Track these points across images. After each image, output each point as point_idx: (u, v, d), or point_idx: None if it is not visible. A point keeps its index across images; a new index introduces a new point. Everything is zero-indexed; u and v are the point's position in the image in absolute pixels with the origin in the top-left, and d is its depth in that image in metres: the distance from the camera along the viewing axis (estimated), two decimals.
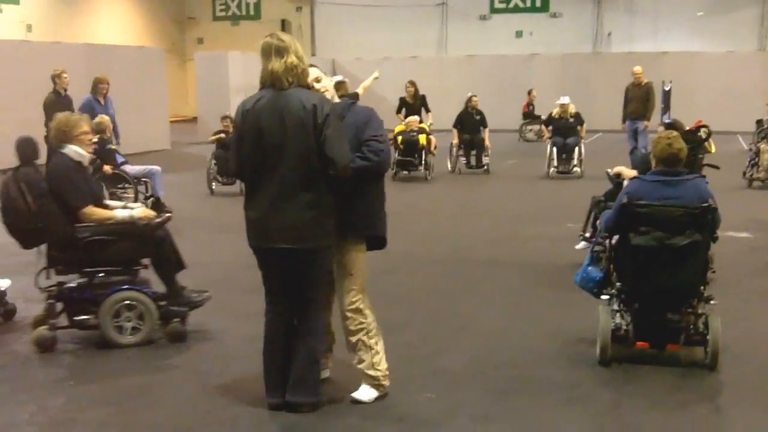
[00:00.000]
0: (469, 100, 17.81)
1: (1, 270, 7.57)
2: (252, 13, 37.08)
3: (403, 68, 31.46)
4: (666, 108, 25.89)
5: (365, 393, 5.25)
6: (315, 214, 4.82)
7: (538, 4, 33.18)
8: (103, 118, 12.35)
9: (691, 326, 5.92)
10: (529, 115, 26.18)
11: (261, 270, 5.10)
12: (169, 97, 25.34)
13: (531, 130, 25.95)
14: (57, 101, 13.30)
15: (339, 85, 13.11)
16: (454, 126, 17.52)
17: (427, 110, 16.82)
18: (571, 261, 8.81)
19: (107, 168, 11.57)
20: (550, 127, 17.22)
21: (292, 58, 4.85)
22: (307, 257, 4.91)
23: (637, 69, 16.75)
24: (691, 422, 5.11)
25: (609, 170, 8.15)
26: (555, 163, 16.72)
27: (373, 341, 5.21)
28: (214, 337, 6.69)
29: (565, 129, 16.87)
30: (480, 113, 17.58)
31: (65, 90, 13.51)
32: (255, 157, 4.86)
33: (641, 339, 5.90)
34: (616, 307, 6.07)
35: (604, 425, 5.06)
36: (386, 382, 5.29)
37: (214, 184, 14.63)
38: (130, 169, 12.14)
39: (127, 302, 6.31)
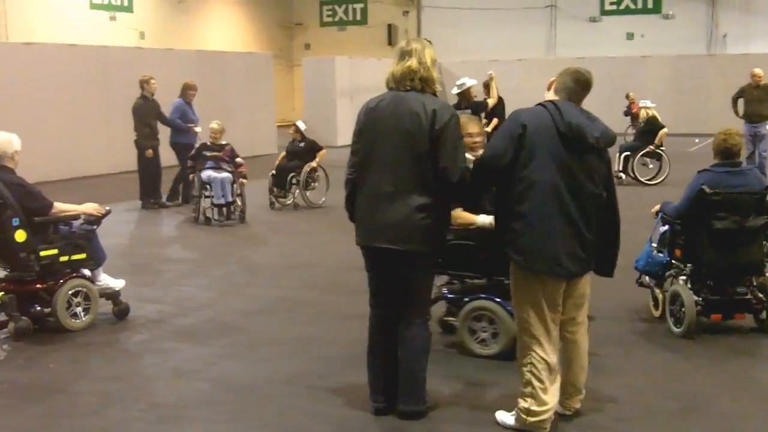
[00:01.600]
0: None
1: (116, 270, 7.75)
2: (359, 18, 37.30)
3: (511, 71, 31.26)
4: None
5: (503, 416, 4.97)
6: (421, 216, 4.71)
7: (649, 5, 32.38)
8: (219, 124, 12.59)
9: (751, 296, 6.65)
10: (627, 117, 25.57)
11: (366, 270, 5.06)
12: (276, 101, 25.68)
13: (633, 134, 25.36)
14: (144, 105, 13.74)
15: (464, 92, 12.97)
16: None
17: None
18: None
19: (192, 177, 12.06)
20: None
21: (412, 63, 4.80)
22: (408, 259, 4.81)
23: (758, 71, 16.09)
24: None
25: None
26: (619, 167, 16.16)
27: (528, 377, 4.80)
28: (321, 339, 6.70)
29: (638, 133, 16.64)
30: None
31: (152, 95, 13.87)
32: (369, 154, 4.86)
33: (714, 312, 6.59)
34: (689, 286, 6.62)
35: None
36: (528, 420, 4.80)
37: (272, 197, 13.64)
38: (203, 174, 12.13)
39: (480, 312, 6.07)
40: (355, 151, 4.96)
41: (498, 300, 6.00)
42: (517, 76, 30.69)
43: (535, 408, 4.73)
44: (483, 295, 6.12)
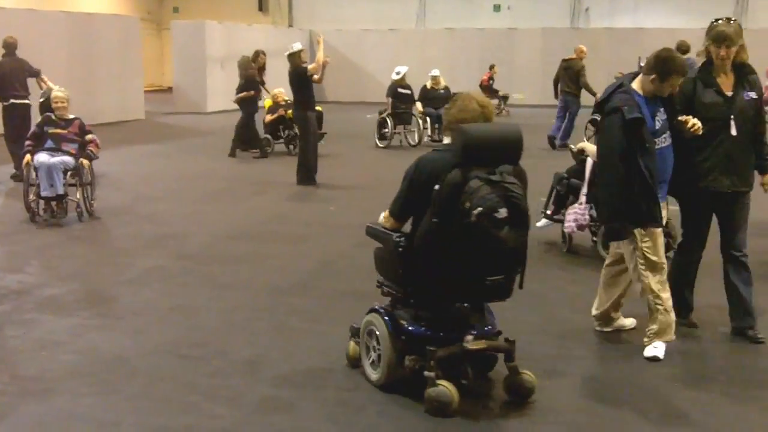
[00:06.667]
0: (433, 79, 18.49)
1: None
2: None
3: (384, 40, 31.39)
4: None
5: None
6: None
7: None
8: (65, 92, 10.25)
9: None
10: (488, 90, 26.14)
11: None
12: (144, 66, 25.06)
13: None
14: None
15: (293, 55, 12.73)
16: (419, 99, 18.18)
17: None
18: (542, 235, 8.90)
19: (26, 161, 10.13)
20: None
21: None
22: None
23: (582, 47, 17.66)
24: None
25: (573, 147, 8.93)
26: (429, 132, 17.83)
27: None
28: (194, 308, 6.62)
29: (436, 100, 17.48)
30: (446, 89, 18.01)
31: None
32: None
33: None
34: None
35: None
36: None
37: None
38: (36, 157, 9.54)
39: None
40: None
41: None
42: (389, 46, 30.91)
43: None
44: None
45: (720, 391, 5.10)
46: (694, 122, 5.39)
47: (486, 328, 4.86)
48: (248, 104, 15.91)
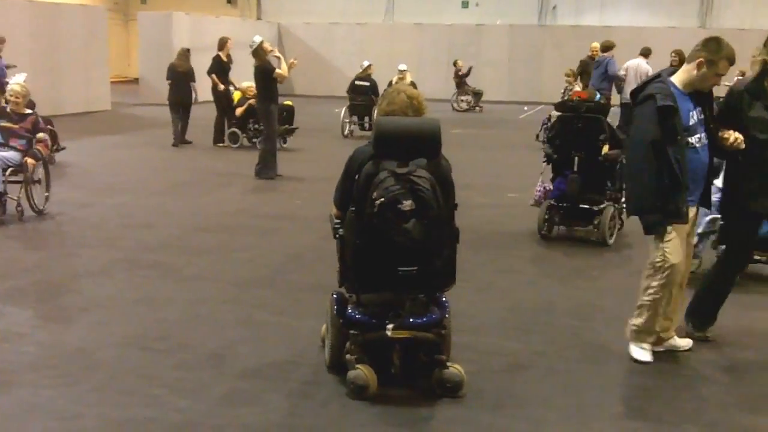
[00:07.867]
0: (400, 73, 18.52)
1: None
2: None
3: (352, 34, 31.36)
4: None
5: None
6: None
7: None
8: (23, 87, 9.65)
9: None
10: (458, 85, 26.22)
11: None
12: (111, 57, 24.86)
13: (463, 100, 25.97)
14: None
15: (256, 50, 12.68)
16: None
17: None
18: (512, 229, 8.90)
19: None
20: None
21: None
22: None
23: (594, 45, 17.66)
24: None
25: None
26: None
27: None
28: (157, 300, 6.58)
29: None
30: (412, 84, 18.13)
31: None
32: None
33: None
34: None
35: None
36: None
37: None
38: None
39: None
40: None
41: None
42: (358, 40, 30.91)
43: None
44: None
45: (682, 384, 5.17)
46: (736, 136, 5.19)
47: (421, 319, 4.88)
48: (169, 93, 16.49)
